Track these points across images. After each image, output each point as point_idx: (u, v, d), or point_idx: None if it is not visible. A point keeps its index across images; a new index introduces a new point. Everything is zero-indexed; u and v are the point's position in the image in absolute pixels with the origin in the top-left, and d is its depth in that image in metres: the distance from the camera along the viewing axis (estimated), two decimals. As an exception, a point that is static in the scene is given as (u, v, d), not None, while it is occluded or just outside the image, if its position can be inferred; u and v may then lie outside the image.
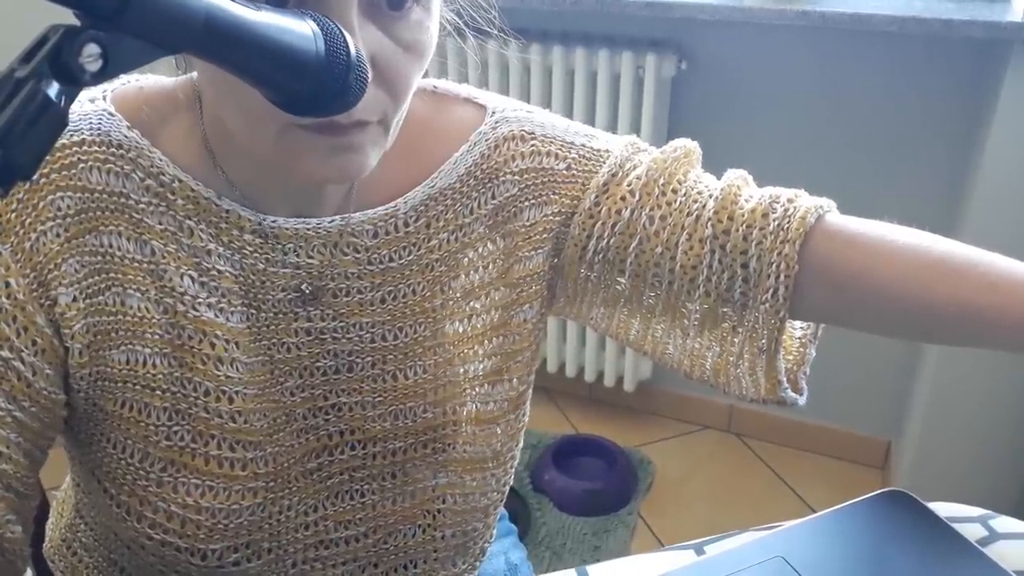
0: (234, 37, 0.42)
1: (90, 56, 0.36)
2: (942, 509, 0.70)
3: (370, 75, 0.52)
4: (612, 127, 1.86)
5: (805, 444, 2.12)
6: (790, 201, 0.69)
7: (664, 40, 1.80)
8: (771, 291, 0.67)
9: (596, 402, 2.26)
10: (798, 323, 0.76)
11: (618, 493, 1.95)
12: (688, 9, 1.64)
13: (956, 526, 0.67)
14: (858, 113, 1.77)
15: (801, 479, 2.05)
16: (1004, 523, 0.69)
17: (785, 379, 0.72)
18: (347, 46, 0.47)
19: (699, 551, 0.69)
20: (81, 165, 0.61)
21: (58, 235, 0.60)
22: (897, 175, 1.80)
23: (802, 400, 0.73)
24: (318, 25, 0.46)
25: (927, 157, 1.76)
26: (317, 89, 0.47)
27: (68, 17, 0.37)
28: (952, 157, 1.74)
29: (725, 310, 0.71)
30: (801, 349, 0.75)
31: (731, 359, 0.73)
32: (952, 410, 1.75)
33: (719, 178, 0.74)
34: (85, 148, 0.62)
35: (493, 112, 0.74)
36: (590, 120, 1.88)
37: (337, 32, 0.47)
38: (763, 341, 0.69)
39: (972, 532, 0.67)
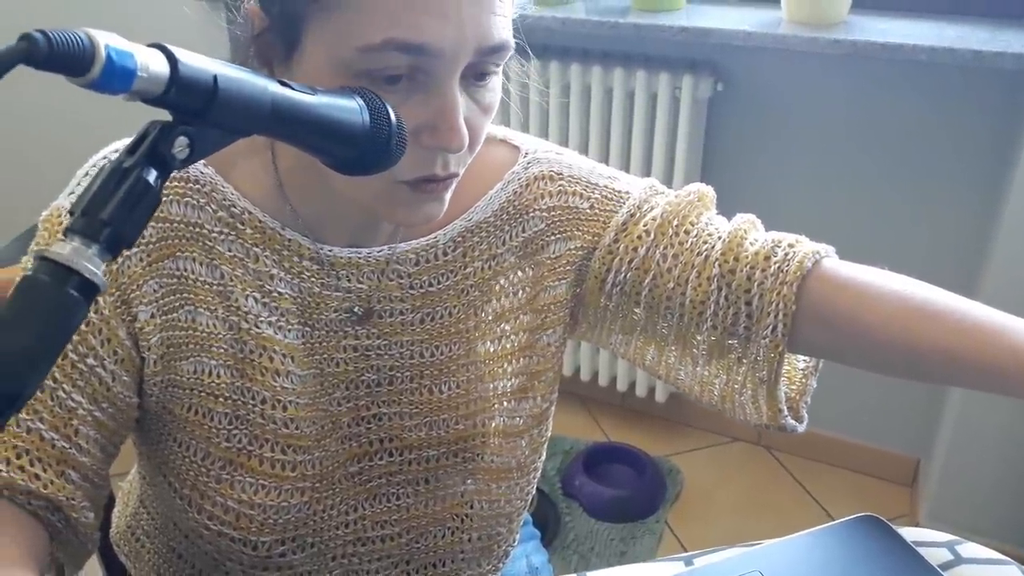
0: (295, 118, 0.50)
1: (180, 146, 0.45)
2: (911, 534, 0.74)
3: (466, 141, 0.61)
4: (648, 146, 1.90)
5: (835, 459, 2.12)
6: (791, 246, 0.74)
7: (701, 61, 1.84)
8: (771, 327, 0.73)
9: (628, 411, 2.29)
10: (802, 356, 0.81)
11: (646, 501, 1.98)
12: (723, 35, 1.67)
13: (923, 550, 0.72)
14: (889, 139, 1.79)
15: (829, 494, 2.06)
16: (970, 549, 0.73)
17: (786, 408, 0.77)
18: (389, 116, 0.55)
19: (688, 563, 0.74)
20: (164, 198, 0.69)
21: (141, 260, 0.68)
22: (926, 203, 1.81)
23: (801, 428, 0.78)
24: (364, 100, 0.54)
25: (957, 185, 1.77)
26: (364, 154, 0.54)
27: (163, 113, 0.45)
28: (982, 185, 1.75)
29: (731, 342, 0.76)
30: (804, 380, 0.80)
31: (736, 387, 0.78)
32: (981, 430, 1.76)
33: (744, 208, 0.80)
34: (166, 183, 0.69)
35: (526, 153, 0.80)
36: (626, 139, 1.92)
37: (381, 105, 0.55)
38: (763, 372, 0.75)
39: (938, 556, 0.72)
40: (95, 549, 0.71)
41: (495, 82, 0.65)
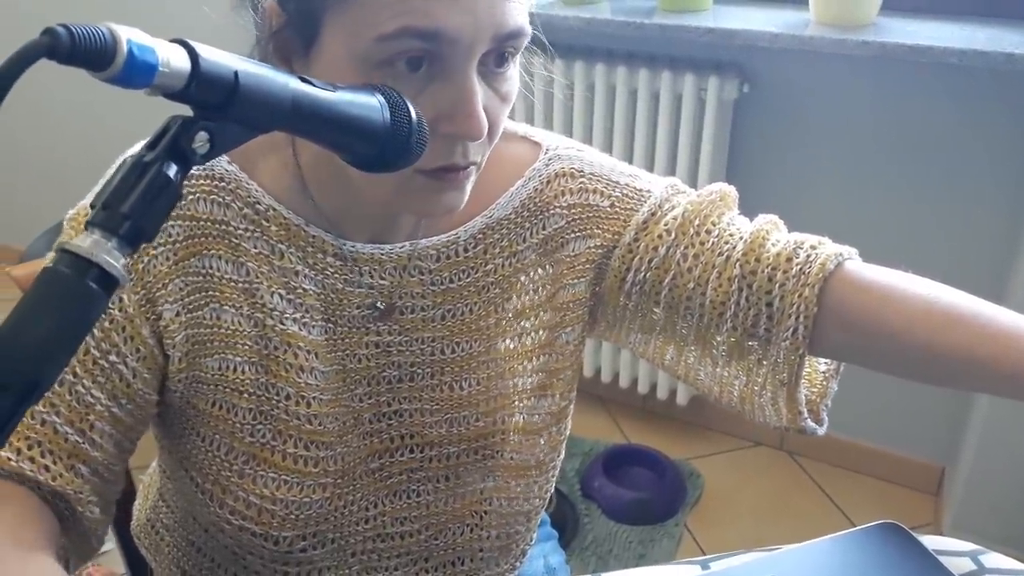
0: (316, 115, 0.50)
1: (201, 142, 0.45)
2: (933, 543, 0.73)
3: (485, 128, 0.61)
4: (673, 148, 1.89)
5: (858, 466, 2.11)
6: (813, 248, 0.74)
7: (727, 63, 1.83)
8: (791, 330, 0.72)
9: (649, 413, 2.28)
10: (823, 359, 0.80)
11: (666, 504, 1.98)
12: (750, 36, 1.66)
13: (945, 559, 0.70)
14: (918, 142, 1.77)
15: (852, 501, 2.04)
16: (994, 559, 0.72)
17: (806, 410, 0.76)
18: (410, 113, 0.55)
19: (704, 567, 0.73)
20: (190, 197, 0.70)
21: (167, 258, 0.69)
22: (955, 207, 1.79)
23: (821, 431, 0.78)
24: (385, 97, 0.54)
25: (986, 189, 1.75)
26: (384, 151, 0.55)
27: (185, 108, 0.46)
28: (1012, 189, 1.72)
29: (751, 343, 0.76)
30: (825, 383, 0.79)
31: (755, 389, 0.78)
32: (1008, 438, 1.73)
33: (769, 209, 0.79)
34: (193, 181, 0.70)
35: (547, 150, 0.80)
36: (651, 140, 1.92)
37: (401, 102, 0.55)
38: (784, 375, 0.74)
39: (960, 565, 0.71)
40: (100, 546, 0.72)
41: (513, 71, 0.65)
